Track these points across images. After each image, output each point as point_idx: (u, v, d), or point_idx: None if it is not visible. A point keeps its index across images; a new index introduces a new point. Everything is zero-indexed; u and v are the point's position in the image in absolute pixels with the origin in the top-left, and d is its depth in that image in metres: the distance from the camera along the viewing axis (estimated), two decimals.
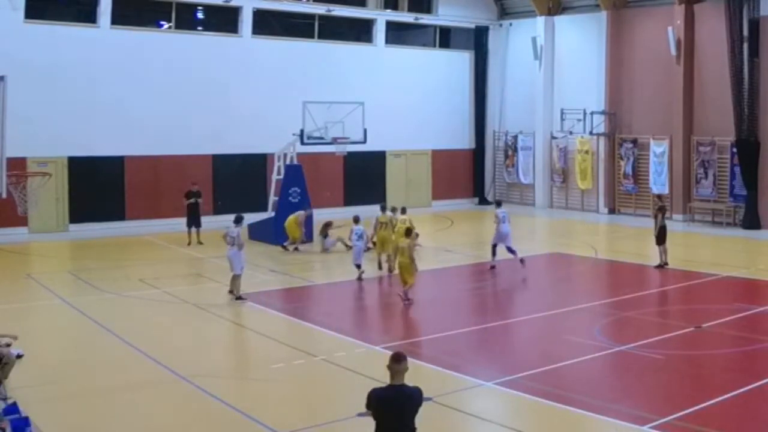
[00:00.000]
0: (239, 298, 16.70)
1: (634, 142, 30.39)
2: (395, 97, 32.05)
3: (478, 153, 35.55)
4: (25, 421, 9.09)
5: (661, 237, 19.96)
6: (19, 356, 11.62)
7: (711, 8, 27.51)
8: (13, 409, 9.39)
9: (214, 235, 24.68)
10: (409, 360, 7.08)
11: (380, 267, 20.08)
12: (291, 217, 23.01)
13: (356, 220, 19.77)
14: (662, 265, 19.92)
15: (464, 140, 35.44)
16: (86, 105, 26.04)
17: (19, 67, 22.77)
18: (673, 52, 28.39)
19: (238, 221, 17.67)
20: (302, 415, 10.44)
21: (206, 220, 24.97)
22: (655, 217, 20.45)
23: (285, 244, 22.95)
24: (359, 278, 18.79)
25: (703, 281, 18.80)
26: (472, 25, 35.09)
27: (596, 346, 13.31)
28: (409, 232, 16.83)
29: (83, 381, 11.73)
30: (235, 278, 16.84)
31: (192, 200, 24.09)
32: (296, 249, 22.89)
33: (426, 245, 23.92)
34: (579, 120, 30.92)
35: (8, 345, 11.17)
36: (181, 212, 24.52)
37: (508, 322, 15.67)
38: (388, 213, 21.15)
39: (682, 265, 20.38)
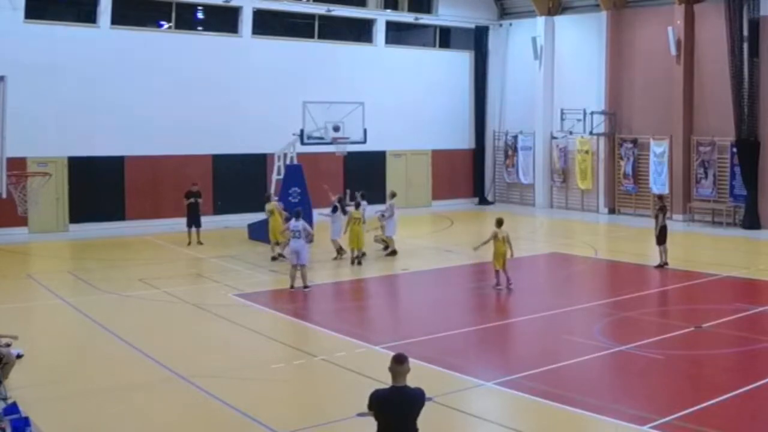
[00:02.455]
0: (306, 286, 17.48)
1: (634, 142, 30.39)
2: (395, 97, 32.05)
3: (478, 153, 35.55)
4: (25, 421, 9.09)
5: (661, 237, 19.97)
6: (19, 356, 11.63)
7: (711, 8, 27.51)
8: (13, 409, 9.38)
9: (214, 235, 24.80)
10: (410, 360, 7.07)
11: (353, 262, 20.63)
12: (271, 208, 21.90)
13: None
14: (662, 265, 19.93)
15: (464, 140, 35.44)
16: (86, 105, 26.04)
17: (19, 67, 22.76)
18: (673, 52, 28.39)
19: (298, 216, 18.01)
20: (302, 415, 10.44)
21: (206, 220, 24.97)
22: (656, 217, 20.45)
23: (275, 254, 21.52)
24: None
25: (703, 281, 18.79)
26: (472, 25, 35.08)
27: (596, 346, 13.31)
28: (500, 222, 17.88)
29: (83, 381, 11.73)
30: (303, 268, 17.54)
31: (192, 200, 24.06)
32: (281, 256, 21.11)
33: (426, 245, 23.96)
34: (579, 120, 30.91)
35: (8, 345, 11.18)
36: (181, 212, 24.52)
37: (508, 322, 15.67)
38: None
39: (682, 265, 20.38)
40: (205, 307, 16.19)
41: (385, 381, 7.02)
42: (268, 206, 22.01)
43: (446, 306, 16.99)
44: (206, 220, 24.97)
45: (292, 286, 17.60)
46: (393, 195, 22.76)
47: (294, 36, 30.94)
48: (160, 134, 27.37)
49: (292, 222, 18.03)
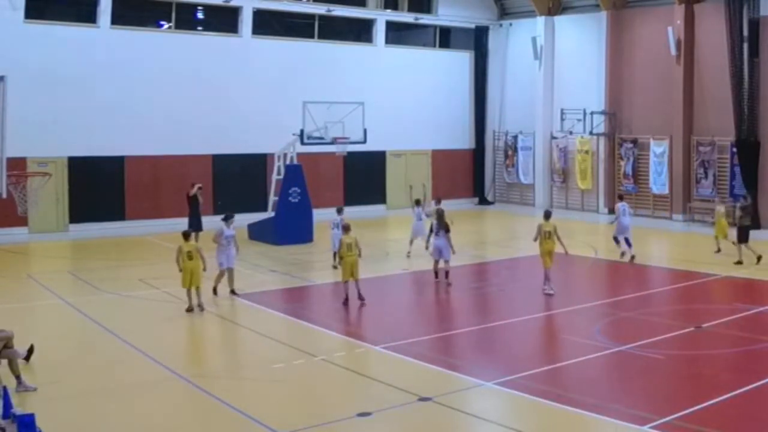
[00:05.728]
0: (233, 291, 17.18)
1: (634, 142, 30.38)
2: (395, 97, 32.05)
3: (478, 153, 35.55)
4: (30, 417, 8.90)
5: (742, 235, 20.57)
6: (30, 351, 11.99)
7: (711, 8, 27.50)
8: (6, 395, 9.15)
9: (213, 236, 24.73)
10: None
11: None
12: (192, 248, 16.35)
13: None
14: (739, 262, 20.39)
15: (464, 140, 35.43)
16: (86, 105, 26.04)
17: (19, 67, 22.79)
18: (673, 52, 28.38)
19: (230, 220, 17.79)
20: (302, 415, 10.43)
21: (206, 220, 24.88)
22: (741, 217, 20.94)
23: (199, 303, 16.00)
24: None
25: (703, 281, 18.80)
26: (472, 25, 35.08)
27: (596, 346, 13.31)
28: (548, 215, 17.58)
29: (83, 381, 11.73)
30: (231, 272, 17.35)
31: (194, 196, 23.67)
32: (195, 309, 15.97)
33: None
34: (579, 120, 30.92)
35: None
36: (181, 212, 24.43)
37: (508, 322, 15.66)
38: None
39: (682, 265, 20.37)
40: (205, 307, 16.17)
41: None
42: (186, 246, 16.28)
43: (446, 306, 16.99)
44: (206, 220, 24.88)
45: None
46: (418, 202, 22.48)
47: (294, 36, 30.94)
48: (160, 134, 27.37)
49: (226, 229, 17.37)
